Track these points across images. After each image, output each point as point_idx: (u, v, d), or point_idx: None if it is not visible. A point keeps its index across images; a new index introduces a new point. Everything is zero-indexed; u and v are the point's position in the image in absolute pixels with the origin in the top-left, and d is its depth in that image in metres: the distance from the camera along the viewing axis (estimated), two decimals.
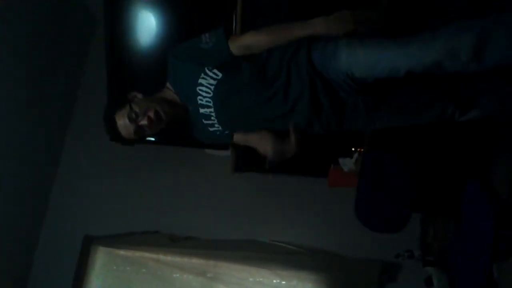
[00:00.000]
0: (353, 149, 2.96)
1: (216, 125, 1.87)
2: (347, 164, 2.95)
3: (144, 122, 1.75)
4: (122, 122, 1.76)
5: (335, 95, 1.73)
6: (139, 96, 1.83)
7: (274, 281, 3.20)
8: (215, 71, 1.75)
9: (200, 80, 1.77)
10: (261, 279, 3.22)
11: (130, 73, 3.23)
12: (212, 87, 1.77)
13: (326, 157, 3.07)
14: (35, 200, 3.45)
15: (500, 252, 2.37)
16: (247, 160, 3.21)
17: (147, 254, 3.31)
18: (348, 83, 1.68)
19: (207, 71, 1.76)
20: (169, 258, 3.29)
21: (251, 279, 3.23)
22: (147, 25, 3.07)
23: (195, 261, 3.26)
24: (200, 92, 1.79)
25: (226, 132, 1.91)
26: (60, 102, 3.54)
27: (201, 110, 1.84)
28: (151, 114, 1.75)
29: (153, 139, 3.38)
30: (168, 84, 1.90)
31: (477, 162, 2.77)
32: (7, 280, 3.25)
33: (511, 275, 2.44)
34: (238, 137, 1.95)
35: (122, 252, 3.36)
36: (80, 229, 3.42)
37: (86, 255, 3.38)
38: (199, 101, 1.82)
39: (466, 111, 1.80)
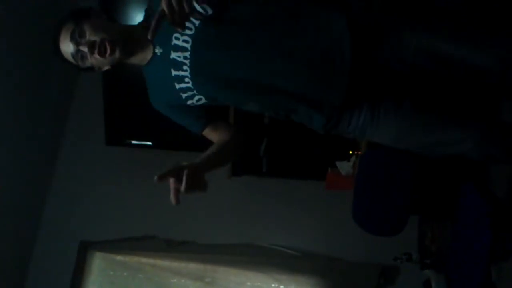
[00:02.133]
0: (350, 152, 2.96)
1: (187, 80, 1.48)
2: (345, 167, 2.95)
3: (83, 48, 1.43)
4: (63, 40, 1.46)
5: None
6: (103, 17, 1.53)
7: (272, 285, 3.20)
8: (204, 6, 1.41)
9: None
10: (259, 283, 3.21)
11: (126, 76, 3.24)
12: (197, 23, 1.43)
13: (324, 160, 3.07)
14: (30, 205, 3.43)
15: (498, 254, 2.37)
16: (244, 164, 3.21)
17: (144, 259, 3.30)
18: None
19: (194, 4, 1.33)
20: (166, 263, 3.28)
21: (249, 284, 3.22)
22: None
23: (193, 266, 3.25)
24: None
25: (196, 99, 1.54)
26: (55, 107, 3.52)
27: (172, 55, 1.46)
28: (97, 39, 1.42)
29: (149, 143, 3.40)
30: (143, 22, 1.56)
31: (473, 165, 2.77)
32: (4, 286, 3.23)
33: (509, 277, 2.43)
34: (208, 133, 1.66)
35: (119, 257, 3.35)
36: (76, 234, 3.40)
37: (82, 260, 3.37)
38: (174, 41, 1.45)
39: None
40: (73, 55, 1.47)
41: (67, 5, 3.37)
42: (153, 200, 3.48)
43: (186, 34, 1.43)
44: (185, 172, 1.31)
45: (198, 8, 1.39)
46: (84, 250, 3.38)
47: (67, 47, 1.47)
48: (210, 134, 1.68)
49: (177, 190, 1.32)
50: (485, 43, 1.44)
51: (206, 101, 1.57)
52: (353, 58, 1.40)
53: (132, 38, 1.50)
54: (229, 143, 1.64)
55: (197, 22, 1.43)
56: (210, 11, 1.42)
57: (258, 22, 1.43)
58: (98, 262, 3.38)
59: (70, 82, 3.63)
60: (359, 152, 2.93)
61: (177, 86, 1.51)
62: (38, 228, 3.48)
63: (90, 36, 1.44)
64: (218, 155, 1.57)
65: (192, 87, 1.49)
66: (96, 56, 1.44)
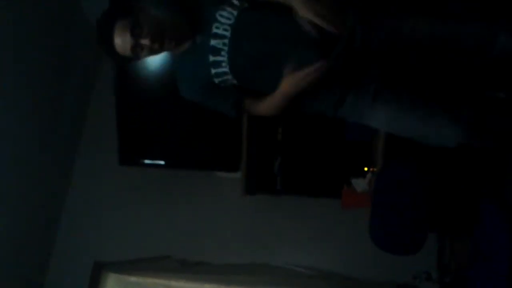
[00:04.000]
0: (366, 169, 2.93)
1: (224, 65, 1.65)
2: (360, 184, 2.92)
3: (146, 42, 1.55)
4: (121, 34, 1.55)
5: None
6: (147, 9, 1.61)
7: None
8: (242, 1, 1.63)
9: (223, 6, 1.63)
10: None
11: (139, 96, 3.25)
12: (236, 13, 1.61)
13: (339, 178, 3.04)
14: (44, 226, 3.43)
15: None
16: (258, 182, 3.18)
17: (158, 280, 3.26)
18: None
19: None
20: (180, 284, 3.24)
21: None
22: None
23: (207, 287, 3.21)
24: (219, 18, 1.61)
25: (231, 81, 1.69)
26: (68, 128, 3.54)
27: (212, 42, 1.62)
28: (157, 35, 1.56)
29: (162, 162, 3.39)
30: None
31: (492, 180, 2.73)
32: None
33: None
34: (250, 103, 1.75)
35: (132, 278, 3.32)
36: (90, 255, 3.38)
37: (96, 282, 3.34)
38: (214, 30, 1.62)
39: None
40: (133, 48, 1.56)
41: (74, 15, 3.45)
42: (168, 220, 3.49)
43: (226, 24, 1.60)
44: None
45: (236, 2, 1.62)
46: (98, 271, 3.35)
47: (123, 42, 1.56)
48: (244, 106, 1.78)
49: None
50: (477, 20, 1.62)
51: (239, 85, 1.72)
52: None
53: (181, 31, 1.63)
54: None
55: (235, 13, 1.61)
56: (246, 4, 1.62)
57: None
58: (112, 284, 3.34)
59: (83, 102, 3.66)
60: (375, 169, 2.90)
61: (213, 71, 1.66)
62: (52, 249, 3.48)
63: (149, 29, 1.54)
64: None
65: (229, 71, 1.65)
66: (156, 47, 1.57)
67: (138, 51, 1.58)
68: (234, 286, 3.21)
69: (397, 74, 1.66)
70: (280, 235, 3.32)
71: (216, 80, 1.68)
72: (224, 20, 1.60)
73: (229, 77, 1.67)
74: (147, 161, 3.37)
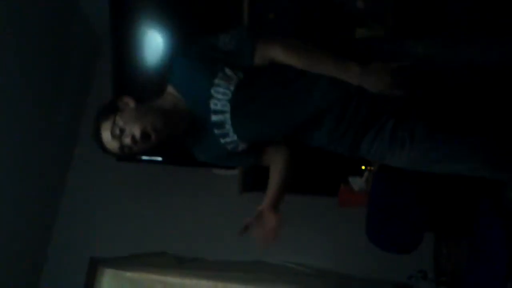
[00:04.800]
0: (363, 167, 2.92)
1: (231, 135, 1.63)
2: (358, 183, 2.91)
3: (127, 141, 1.52)
4: (106, 136, 1.54)
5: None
6: (131, 104, 1.57)
7: None
8: (236, 70, 1.56)
9: (216, 81, 1.55)
10: None
11: (136, 92, 3.24)
12: (232, 88, 1.55)
13: (336, 176, 3.03)
14: (40, 222, 3.42)
15: None
16: (255, 179, 3.17)
17: (154, 276, 3.27)
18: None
19: (226, 70, 1.55)
20: (176, 280, 3.24)
21: None
22: (153, 42, 3.08)
23: (203, 283, 3.21)
24: (215, 95, 1.56)
25: (241, 146, 1.68)
26: (66, 124, 3.53)
27: (214, 118, 1.59)
28: (137, 133, 1.50)
29: (159, 159, 3.38)
30: (169, 88, 1.65)
31: (489, 181, 2.72)
32: None
33: None
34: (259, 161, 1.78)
35: (128, 274, 3.32)
36: (86, 251, 3.38)
37: (92, 277, 3.34)
38: (213, 106, 1.58)
39: None
40: (120, 150, 1.55)
41: (78, 23, 3.45)
42: (164, 216, 3.48)
43: (224, 99, 1.56)
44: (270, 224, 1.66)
45: (228, 73, 1.55)
46: (94, 267, 3.35)
47: (110, 144, 1.55)
48: (262, 161, 1.80)
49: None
50: (488, 44, 1.56)
51: (249, 145, 1.70)
52: None
53: (169, 114, 1.59)
54: (287, 167, 1.78)
55: (232, 88, 1.55)
56: (241, 75, 1.56)
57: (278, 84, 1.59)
58: (108, 279, 3.35)
59: (81, 100, 3.65)
60: (372, 168, 2.89)
61: (222, 140, 1.64)
62: (49, 244, 3.47)
63: (130, 129, 1.52)
64: (283, 184, 1.76)
65: (237, 139, 1.63)
66: (141, 145, 1.53)
67: (125, 151, 1.55)
68: (231, 282, 3.21)
69: (414, 107, 1.61)
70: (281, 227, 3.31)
71: (229, 147, 1.67)
72: (220, 96, 1.56)
73: (239, 142, 1.65)
74: (144, 157, 3.37)
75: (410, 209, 2.55)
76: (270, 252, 3.31)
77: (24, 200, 3.16)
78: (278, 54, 1.56)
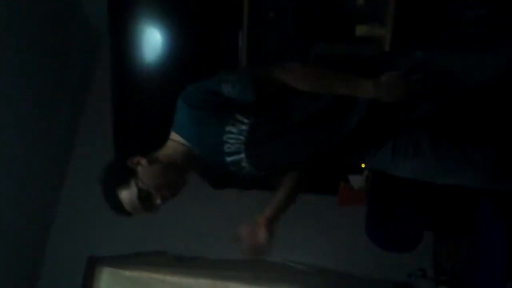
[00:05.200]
0: (363, 165, 2.92)
1: (248, 169, 1.63)
2: (358, 181, 2.91)
3: (159, 202, 1.55)
4: (128, 199, 1.54)
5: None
6: (143, 162, 1.57)
7: None
8: (246, 113, 1.54)
9: (228, 128, 1.54)
10: None
11: (135, 93, 3.23)
12: (245, 133, 1.54)
13: (336, 174, 3.03)
14: (39, 221, 3.41)
15: None
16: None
17: (153, 275, 3.25)
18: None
19: (237, 116, 1.54)
20: (176, 279, 3.22)
21: None
22: (152, 42, 3.07)
23: (203, 282, 3.20)
24: (228, 140, 1.56)
25: (259, 175, 1.69)
26: (65, 123, 3.52)
27: (229, 159, 1.60)
28: (167, 194, 1.55)
29: None
30: (173, 135, 1.66)
31: None
32: None
33: None
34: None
35: (127, 272, 3.30)
36: (84, 250, 3.37)
37: (90, 276, 3.32)
38: (227, 150, 1.58)
39: None
40: (145, 209, 1.57)
41: (77, 23, 3.44)
42: (163, 214, 3.45)
43: (238, 143, 1.55)
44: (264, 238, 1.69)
45: (239, 118, 1.54)
46: (92, 266, 3.33)
47: (136, 208, 1.56)
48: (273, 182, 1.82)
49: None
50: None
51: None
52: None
53: (178, 162, 1.61)
54: (295, 186, 1.81)
55: (244, 130, 1.54)
56: (252, 118, 1.54)
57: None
58: (107, 278, 3.32)
59: (80, 100, 3.64)
60: None
61: (239, 173, 1.66)
62: (46, 243, 3.47)
63: (156, 191, 1.53)
64: (288, 201, 1.80)
65: (255, 171, 1.64)
66: (169, 199, 1.58)
67: (150, 209, 1.57)
68: (230, 281, 3.20)
69: (421, 119, 1.60)
70: (276, 230, 3.30)
71: (247, 175, 1.68)
72: (234, 141, 1.56)
73: (257, 173, 1.66)
74: None
75: (410, 208, 2.56)
76: (270, 251, 3.30)
77: (22, 199, 3.15)
78: (287, 79, 1.53)
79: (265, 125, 1.55)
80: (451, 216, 2.81)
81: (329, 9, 2.73)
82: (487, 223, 2.26)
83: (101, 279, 3.34)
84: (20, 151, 3.04)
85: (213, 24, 2.97)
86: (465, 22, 2.48)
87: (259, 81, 1.54)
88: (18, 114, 2.98)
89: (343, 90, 1.49)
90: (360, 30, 2.59)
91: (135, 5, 3.08)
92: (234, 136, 1.55)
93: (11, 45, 2.85)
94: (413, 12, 2.52)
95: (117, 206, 1.57)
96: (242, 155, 1.58)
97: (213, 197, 3.41)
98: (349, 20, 2.66)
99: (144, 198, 1.53)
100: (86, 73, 3.69)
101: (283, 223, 3.27)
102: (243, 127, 1.54)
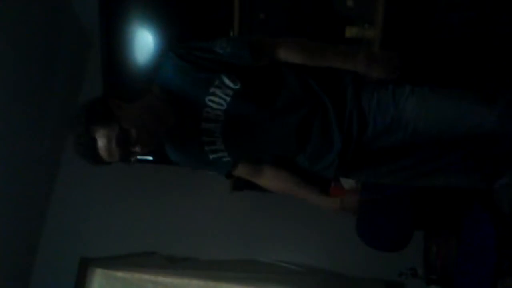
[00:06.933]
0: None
1: (218, 145, 1.56)
2: (349, 181, 2.91)
3: (137, 149, 1.42)
4: (105, 144, 1.40)
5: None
6: (124, 106, 1.45)
7: None
8: (234, 79, 1.48)
9: (212, 89, 1.47)
10: None
11: (126, 89, 3.23)
12: (228, 98, 1.48)
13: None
14: (30, 223, 3.40)
15: (504, 270, 2.35)
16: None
17: (145, 276, 3.27)
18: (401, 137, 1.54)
19: (223, 78, 1.47)
20: (168, 279, 3.24)
21: None
22: (143, 41, 3.07)
23: (195, 283, 3.22)
24: (210, 104, 1.49)
25: (226, 158, 1.62)
26: (55, 123, 3.50)
27: (204, 125, 1.52)
28: (146, 139, 1.43)
29: (150, 158, 3.37)
30: (155, 89, 1.54)
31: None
32: None
33: None
34: (242, 171, 1.72)
35: (119, 273, 3.32)
36: (76, 251, 3.37)
37: (83, 277, 3.33)
38: (205, 114, 1.51)
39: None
40: (121, 158, 1.44)
41: (68, 24, 3.42)
42: (155, 215, 3.47)
43: (219, 109, 1.50)
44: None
45: (225, 81, 1.48)
46: (85, 267, 3.34)
47: (110, 154, 1.43)
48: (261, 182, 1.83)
49: None
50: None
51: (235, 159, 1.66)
52: None
53: (161, 114, 1.50)
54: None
55: (228, 99, 1.48)
56: (239, 84, 1.48)
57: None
58: (99, 279, 3.34)
59: (72, 98, 3.63)
60: None
61: (207, 148, 1.58)
62: (38, 244, 3.45)
63: (136, 135, 1.42)
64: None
65: (224, 149, 1.58)
66: (146, 149, 1.45)
67: (126, 157, 1.45)
68: (222, 282, 3.22)
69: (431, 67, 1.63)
70: (268, 231, 3.32)
71: (211, 156, 1.61)
72: (215, 106, 1.49)
73: (225, 154, 1.60)
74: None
75: (399, 207, 2.56)
76: (262, 251, 3.32)
77: (13, 200, 3.13)
78: (279, 51, 1.53)
79: (249, 97, 1.50)
80: (441, 214, 2.82)
81: (319, 11, 2.74)
82: (475, 220, 2.28)
83: (93, 280, 3.35)
84: (9, 151, 3.02)
85: (204, 25, 2.97)
86: (454, 25, 2.51)
87: (257, 44, 1.53)
88: (7, 115, 2.96)
89: (337, 62, 1.53)
90: (350, 31, 2.59)
91: (126, 6, 3.08)
92: (217, 100, 1.48)
93: (1, 45, 2.83)
94: (403, 14, 2.54)
95: (90, 146, 1.42)
96: (219, 125, 1.52)
97: (205, 197, 3.44)
98: (339, 21, 2.66)
99: (122, 142, 1.40)
100: (77, 73, 3.67)
101: (274, 223, 3.31)
102: (228, 91, 1.48)
